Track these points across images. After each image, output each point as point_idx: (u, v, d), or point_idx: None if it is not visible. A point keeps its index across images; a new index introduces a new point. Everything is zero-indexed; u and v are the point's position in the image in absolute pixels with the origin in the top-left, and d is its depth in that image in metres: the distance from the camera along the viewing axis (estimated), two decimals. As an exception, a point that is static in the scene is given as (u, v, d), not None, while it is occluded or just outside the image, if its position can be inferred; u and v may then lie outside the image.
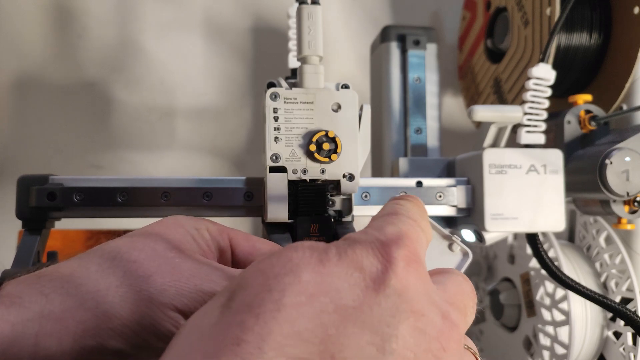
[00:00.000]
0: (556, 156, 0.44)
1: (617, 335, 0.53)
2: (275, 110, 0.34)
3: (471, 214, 0.44)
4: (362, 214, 0.41)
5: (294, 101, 0.34)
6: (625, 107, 0.53)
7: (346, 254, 0.20)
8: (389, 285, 0.19)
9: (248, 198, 0.38)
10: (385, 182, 0.42)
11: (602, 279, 0.56)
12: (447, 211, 0.44)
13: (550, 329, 0.55)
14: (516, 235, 0.63)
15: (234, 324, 0.17)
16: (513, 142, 0.45)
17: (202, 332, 0.18)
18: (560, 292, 0.54)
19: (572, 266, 0.56)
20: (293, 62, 0.58)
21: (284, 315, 0.17)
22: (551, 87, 0.45)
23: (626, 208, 0.46)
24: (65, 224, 0.40)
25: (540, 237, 0.46)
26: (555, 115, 0.52)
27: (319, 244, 0.20)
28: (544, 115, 0.45)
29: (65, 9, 0.77)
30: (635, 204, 0.46)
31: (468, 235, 0.48)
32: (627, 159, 0.44)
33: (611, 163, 0.44)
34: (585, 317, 0.54)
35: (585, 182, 0.46)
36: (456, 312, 0.21)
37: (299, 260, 0.19)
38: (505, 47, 0.61)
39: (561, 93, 0.59)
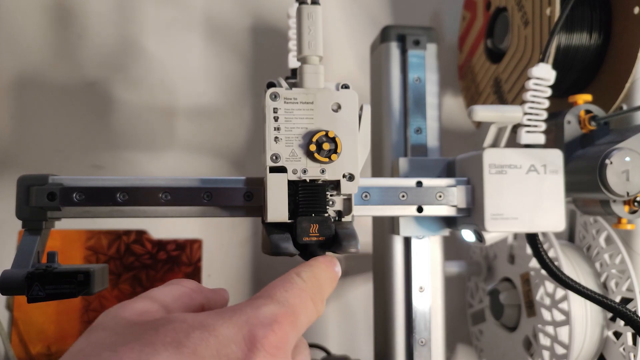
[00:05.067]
0: (556, 156, 0.44)
1: (617, 335, 0.53)
2: (275, 110, 0.34)
3: (471, 214, 0.44)
4: (362, 214, 0.41)
5: (294, 101, 0.34)
6: (625, 107, 0.53)
7: (208, 341, 0.20)
8: None
9: (248, 198, 0.38)
10: (385, 182, 0.42)
11: (602, 279, 0.56)
12: (447, 211, 0.44)
13: (550, 329, 0.55)
14: (516, 235, 0.63)
15: None
16: (513, 142, 0.45)
17: None
18: (560, 292, 0.54)
19: (572, 266, 0.56)
20: (293, 62, 0.58)
21: None
22: (551, 87, 0.45)
23: (626, 208, 0.46)
24: (65, 224, 0.40)
25: (540, 237, 0.46)
26: (555, 115, 0.52)
27: (184, 323, 0.21)
28: (544, 115, 0.45)
29: (65, 9, 0.77)
30: (635, 204, 0.46)
31: (468, 235, 0.48)
32: (627, 159, 0.44)
33: (611, 163, 0.44)
34: (585, 317, 0.54)
35: (585, 182, 0.46)
36: None
37: (157, 342, 0.20)
38: (505, 47, 0.61)
39: (561, 93, 0.59)
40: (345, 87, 0.35)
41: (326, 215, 0.35)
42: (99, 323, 0.22)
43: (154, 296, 0.25)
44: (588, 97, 0.52)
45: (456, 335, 0.82)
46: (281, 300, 0.23)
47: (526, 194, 0.43)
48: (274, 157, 0.34)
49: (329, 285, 0.28)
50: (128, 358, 0.19)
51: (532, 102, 0.45)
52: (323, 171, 0.34)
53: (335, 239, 0.34)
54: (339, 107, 0.35)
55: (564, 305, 0.53)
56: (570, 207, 0.54)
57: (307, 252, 0.34)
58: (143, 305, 0.24)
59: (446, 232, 0.50)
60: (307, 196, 0.34)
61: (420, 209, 0.43)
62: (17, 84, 0.76)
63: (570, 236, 0.62)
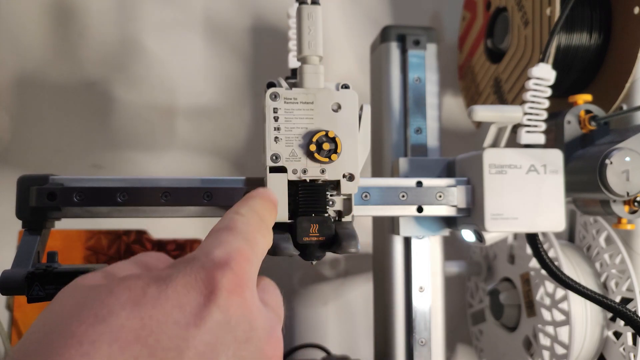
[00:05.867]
0: (556, 156, 0.44)
1: (617, 335, 0.53)
2: (275, 110, 0.34)
3: (471, 214, 0.44)
4: (362, 214, 0.41)
5: (294, 101, 0.34)
6: (625, 107, 0.53)
7: (166, 293, 0.20)
8: (210, 319, 0.20)
9: (248, 198, 0.38)
10: (385, 182, 0.42)
11: (602, 279, 0.56)
12: (447, 211, 0.44)
13: (550, 329, 0.55)
14: (516, 235, 0.63)
15: None
16: (513, 142, 0.45)
17: None
18: (560, 292, 0.54)
19: (572, 266, 0.56)
20: (293, 62, 0.58)
21: None
22: (551, 87, 0.45)
23: (626, 208, 0.46)
24: (65, 224, 0.40)
25: (540, 237, 0.46)
26: (555, 115, 0.52)
27: (139, 280, 0.20)
28: (544, 115, 0.45)
29: (65, 9, 0.77)
30: (635, 204, 0.46)
31: (468, 235, 0.48)
32: (627, 159, 0.44)
33: (611, 163, 0.44)
34: (585, 317, 0.54)
35: (585, 182, 0.46)
36: (277, 318, 0.23)
37: (113, 303, 0.19)
38: (505, 47, 0.61)
39: (561, 93, 0.59)
40: (345, 87, 0.35)
41: (326, 215, 0.35)
42: (56, 297, 0.22)
43: (110, 270, 0.24)
44: (588, 97, 0.52)
45: (456, 335, 0.82)
46: (229, 239, 0.23)
47: (526, 194, 0.43)
48: (274, 157, 0.34)
49: (269, 214, 0.28)
50: (84, 325, 0.18)
51: (532, 102, 0.45)
52: (323, 171, 0.34)
53: (335, 239, 0.34)
54: (339, 107, 0.35)
55: (564, 305, 0.53)
56: (570, 207, 0.54)
57: (307, 252, 0.34)
58: (99, 275, 0.23)
59: (446, 232, 0.50)
60: (307, 196, 0.34)
61: (420, 209, 0.43)
62: (17, 83, 0.76)
63: (570, 236, 0.62)
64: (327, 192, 0.35)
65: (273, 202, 0.30)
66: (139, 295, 0.19)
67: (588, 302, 0.54)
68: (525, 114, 0.45)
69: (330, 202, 0.36)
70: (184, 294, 0.20)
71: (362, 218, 0.43)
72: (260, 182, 0.38)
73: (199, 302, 0.20)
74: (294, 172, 0.34)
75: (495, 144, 0.45)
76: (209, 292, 0.20)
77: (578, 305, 0.54)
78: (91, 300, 0.20)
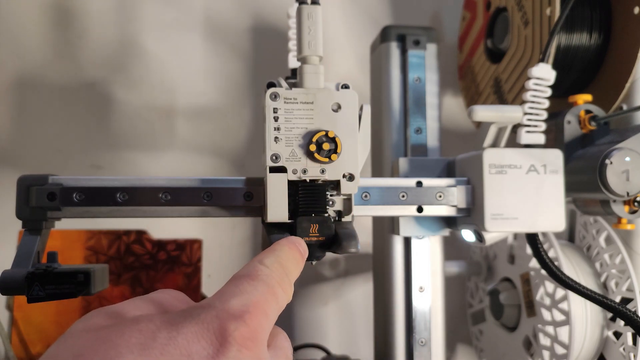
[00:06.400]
0: (556, 156, 0.44)
1: (617, 335, 0.53)
2: (275, 110, 0.34)
3: (471, 214, 0.44)
4: (362, 214, 0.41)
5: (294, 101, 0.34)
6: (625, 107, 0.53)
7: (176, 340, 0.20)
8: None
9: (248, 198, 0.38)
10: (385, 182, 0.42)
11: (602, 279, 0.56)
12: (447, 211, 0.44)
13: (550, 329, 0.55)
14: (516, 235, 0.63)
15: None
16: (513, 142, 0.45)
17: None
18: (560, 292, 0.54)
19: (572, 266, 0.56)
20: (293, 62, 0.58)
21: None
22: (551, 87, 0.45)
23: (626, 208, 0.46)
24: (65, 224, 0.40)
25: (540, 237, 0.46)
26: (555, 115, 0.52)
27: (150, 323, 0.20)
28: (544, 115, 0.45)
29: (65, 9, 0.77)
30: (635, 204, 0.46)
31: (468, 235, 0.48)
32: (627, 159, 0.44)
33: (611, 163, 0.44)
34: (585, 317, 0.54)
35: (585, 182, 0.46)
36: None
37: (122, 345, 0.19)
38: (505, 47, 0.61)
39: (561, 93, 0.59)
40: (345, 87, 0.35)
41: (326, 215, 0.35)
42: (69, 331, 0.22)
43: (121, 309, 0.24)
44: (588, 97, 0.52)
45: (456, 335, 0.82)
46: (249, 290, 0.23)
47: (526, 194, 0.43)
48: (274, 157, 0.34)
49: (294, 267, 0.27)
50: None
51: (532, 102, 0.45)
52: (323, 171, 0.34)
53: (335, 239, 0.34)
54: (339, 107, 0.35)
55: (564, 305, 0.53)
56: (570, 207, 0.54)
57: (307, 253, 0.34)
58: (104, 315, 0.23)
59: (446, 232, 0.50)
60: (307, 196, 0.34)
61: (420, 209, 0.43)
62: (17, 84, 0.76)
63: (570, 236, 0.62)
64: (327, 192, 0.35)
65: (301, 254, 0.29)
66: (148, 339, 0.20)
67: (588, 302, 0.54)
68: (525, 114, 0.45)
69: (330, 202, 0.36)
70: (194, 343, 0.20)
71: (362, 218, 0.43)
72: (260, 182, 0.38)
73: (208, 353, 0.20)
74: (294, 172, 0.34)
75: (495, 144, 0.45)
76: (220, 344, 0.20)
77: (578, 305, 0.54)
78: (102, 339, 0.20)
